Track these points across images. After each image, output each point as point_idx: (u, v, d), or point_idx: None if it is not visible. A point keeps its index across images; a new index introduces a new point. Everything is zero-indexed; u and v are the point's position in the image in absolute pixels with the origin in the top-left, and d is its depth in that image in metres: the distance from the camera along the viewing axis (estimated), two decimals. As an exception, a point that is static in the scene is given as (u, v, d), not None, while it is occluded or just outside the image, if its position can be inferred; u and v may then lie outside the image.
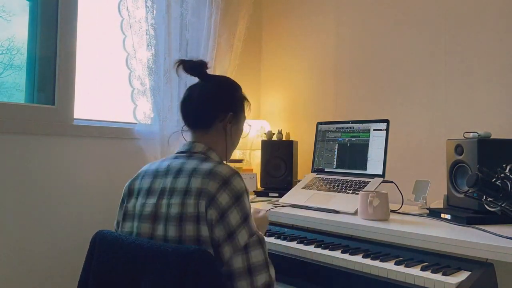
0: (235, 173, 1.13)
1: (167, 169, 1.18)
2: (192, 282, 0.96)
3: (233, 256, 1.06)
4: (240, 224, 1.08)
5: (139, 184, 1.22)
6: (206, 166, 1.13)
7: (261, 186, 2.23)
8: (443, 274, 1.09)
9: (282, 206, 1.79)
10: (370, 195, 1.48)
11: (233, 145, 1.34)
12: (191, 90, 1.31)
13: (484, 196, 1.23)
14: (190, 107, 1.29)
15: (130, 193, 1.22)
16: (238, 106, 1.33)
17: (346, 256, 1.29)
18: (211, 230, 1.06)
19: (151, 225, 1.13)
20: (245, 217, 1.10)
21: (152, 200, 1.15)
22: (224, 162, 1.26)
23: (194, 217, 1.07)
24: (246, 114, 1.37)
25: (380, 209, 1.47)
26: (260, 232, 1.14)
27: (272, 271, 1.13)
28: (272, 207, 1.75)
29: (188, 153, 1.23)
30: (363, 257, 1.27)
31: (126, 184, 1.26)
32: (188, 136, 1.30)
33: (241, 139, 1.39)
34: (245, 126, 1.39)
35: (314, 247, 1.41)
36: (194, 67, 1.30)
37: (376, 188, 1.68)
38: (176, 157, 1.22)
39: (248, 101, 1.38)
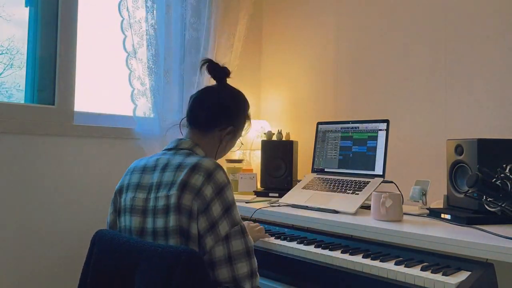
0: (218, 166, 1.18)
1: (155, 165, 1.24)
2: (179, 282, 0.98)
3: (215, 246, 1.11)
4: (221, 215, 1.13)
5: (128, 180, 1.27)
6: (191, 160, 1.19)
7: (261, 186, 2.23)
8: (443, 274, 1.09)
9: (282, 206, 1.79)
10: (382, 195, 1.47)
11: (224, 153, 1.42)
12: (206, 91, 1.38)
13: (484, 196, 1.23)
14: (199, 105, 1.36)
15: (120, 190, 1.27)
16: (240, 123, 1.42)
17: (346, 256, 1.29)
18: (195, 222, 1.10)
19: (141, 218, 1.17)
20: (227, 208, 1.14)
21: (141, 195, 1.20)
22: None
23: (175, 208, 1.11)
24: (243, 133, 1.46)
25: (393, 210, 1.46)
26: (243, 223, 1.18)
27: (254, 260, 1.17)
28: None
29: (175, 149, 1.28)
30: (363, 257, 1.27)
31: (118, 184, 1.30)
32: (184, 132, 1.37)
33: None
34: (237, 143, 1.47)
35: (314, 247, 1.41)
36: (217, 71, 1.39)
37: (376, 188, 1.68)
38: (163, 153, 1.28)
39: (250, 121, 1.46)
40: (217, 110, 1.35)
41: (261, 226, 1.59)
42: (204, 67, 1.38)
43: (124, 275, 1.09)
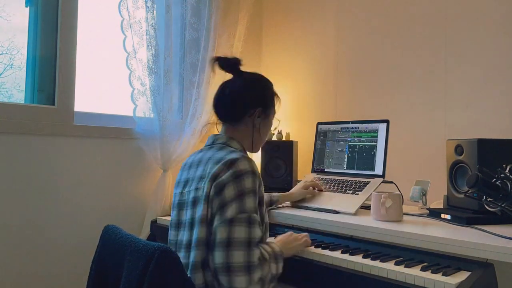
0: (243, 157, 1.19)
1: (192, 161, 1.33)
2: (151, 277, 1.01)
3: (218, 226, 1.12)
4: (233, 199, 1.14)
5: (178, 176, 1.38)
6: (220, 154, 1.24)
7: (261, 186, 2.23)
8: (443, 274, 1.09)
9: (282, 206, 1.79)
10: (382, 195, 1.47)
11: (261, 138, 1.42)
12: (224, 85, 1.40)
13: (484, 196, 1.23)
14: (221, 101, 1.38)
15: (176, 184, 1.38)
16: (267, 102, 1.42)
17: (346, 256, 1.29)
18: (211, 206, 1.16)
19: (177, 211, 1.29)
20: (240, 193, 1.14)
21: (179, 190, 1.32)
22: (248, 153, 1.37)
23: (205, 198, 1.17)
24: (276, 110, 1.45)
25: (393, 210, 1.46)
26: (254, 214, 1.15)
27: (255, 253, 1.11)
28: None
29: (211, 145, 1.33)
30: (363, 257, 1.27)
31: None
32: (220, 128, 1.42)
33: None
34: (274, 121, 1.48)
35: (314, 247, 1.41)
36: (229, 64, 1.41)
37: (376, 188, 1.68)
38: (201, 151, 1.36)
39: (278, 97, 1.46)
40: (238, 97, 1.36)
41: (306, 235, 1.40)
42: (216, 65, 1.39)
43: (117, 269, 1.13)
